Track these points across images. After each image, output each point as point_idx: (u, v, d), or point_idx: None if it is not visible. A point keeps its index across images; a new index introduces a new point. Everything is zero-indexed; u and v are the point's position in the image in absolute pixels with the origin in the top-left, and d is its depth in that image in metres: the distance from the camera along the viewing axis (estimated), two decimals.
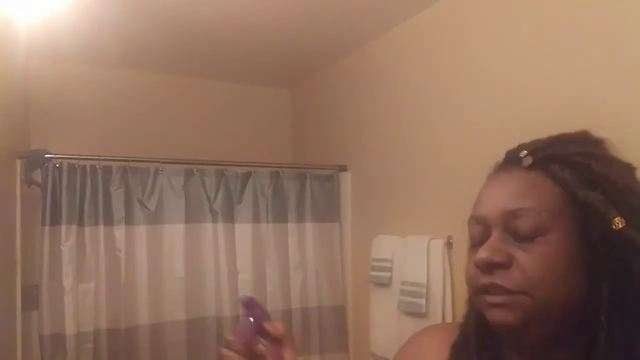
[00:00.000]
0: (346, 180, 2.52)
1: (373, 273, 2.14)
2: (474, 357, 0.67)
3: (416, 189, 2.03)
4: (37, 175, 2.03)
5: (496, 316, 0.60)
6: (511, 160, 0.67)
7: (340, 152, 2.59)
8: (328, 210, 2.49)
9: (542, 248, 0.59)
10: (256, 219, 2.33)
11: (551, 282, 0.58)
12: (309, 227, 2.44)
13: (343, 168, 2.53)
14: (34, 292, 2.02)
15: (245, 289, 2.27)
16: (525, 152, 0.65)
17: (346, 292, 2.48)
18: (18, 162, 2.02)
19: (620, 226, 0.58)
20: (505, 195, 0.62)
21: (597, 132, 0.68)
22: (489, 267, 0.60)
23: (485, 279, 0.61)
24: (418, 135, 2.07)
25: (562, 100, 1.51)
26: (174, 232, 2.18)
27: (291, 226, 2.40)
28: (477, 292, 0.63)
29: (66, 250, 1.98)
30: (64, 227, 1.99)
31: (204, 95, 2.91)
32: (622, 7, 1.36)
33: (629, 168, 0.64)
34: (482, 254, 0.60)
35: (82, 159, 2.05)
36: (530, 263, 0.59)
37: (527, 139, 1.63)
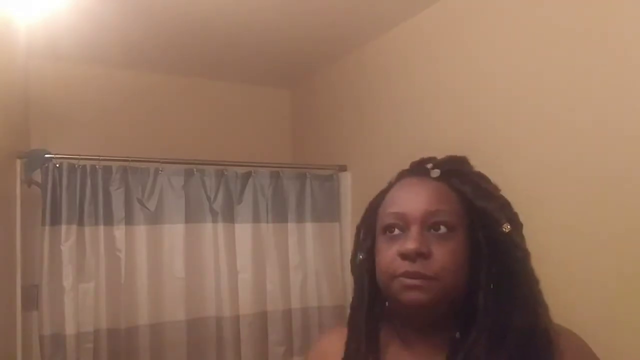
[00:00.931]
0: (346, 180, 2.52)
1: None
2: (363, 339, 0.78)
3: None
4: (37, 175, 2.03)
5: (413, 296, 0.72)
6: (419, 170, 0.80)
7: (340, 152, 2.59)
8: (328, 210, 2.49)
9: (451, 243, 0.72)
10: (256, 219, 2.33)
11: (455, 270, 0.72)
12: (309, 227, 2.43)
13: (343, 168, 2.53)
14: (34, 292, 2.02)
15: (245, 289, 2.27)
16: (432, 164, 0.79)
17: (346, 292, 2.48)
18: (18, 162, 2.02)
19: (508, 229, 0.73)
20: (425, 198, 0.75)
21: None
22: (416, 256, 0.71)
23: (409, 267, 0.72)
24: (418, 135, 2.07)
25: (562, 100, 1.51)
26: (174, 232, 2.18)
27: (291, 226, 2.40)
28: (395, 277, 0.73)
29: (66, 250, 1.98)
30: (64, 227, 1.99)
31: (204, 95, 2.91)
32: (622, 8, 1.36)
33: (498, 188, 0.80)
34: (411, 245, 0.71)
35: (82, 159, 2.05)
36: (444, 255, 0.71)
37: (526, 137, 1.63)
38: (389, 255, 0.74)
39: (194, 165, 2.27)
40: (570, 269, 1.44)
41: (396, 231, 0.75)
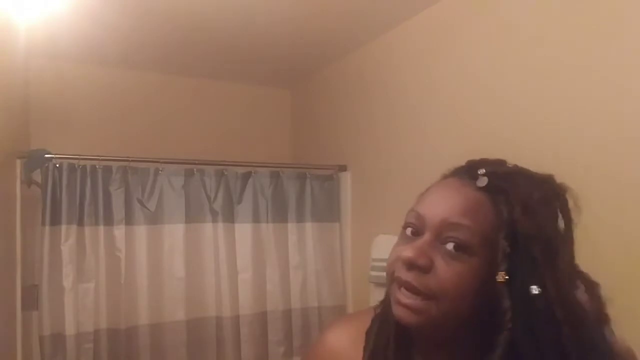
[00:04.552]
0: (346, 180, 2.52)
1: (373, 273, 2.14)
2: (393, 328, 0.70)
3: (416, 189, 2.02)
4: (37, 175, 2.03)
5: (400, 313, 0.65)
6: (469, 172, 0.68)
7: (340, 152, 2.59)
8: (328, 210, 2.49)
9: (462, 265, 0.62)
10: (256, 219, 2.33)
11: (458, 297, 0.62)
12: (309, 227, 2.44)
13: (343, 168, 2.53)
14: (34, 292, 2.02)
15: (245, 289, 2.27)
16: (484, 171, 0.66)
17: (346, 292, 2.48)
18: (18, 162, 2.02)
19: (500, 280, 0.61)
20: (451, 206, 0.65)
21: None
22: (411, 266, 0.64)
23: (403, 275, 0.64)
24: (418, 135, 2.07)
25: (558, 102, 1.51)
26: (174, 232, 2.18)
27: (291, 226, 2.40)
28: (391, 280, 0.67)
29: (66, 250, 1.98)
30: (64, 227, 1.99)
31: (204, 95, 2.91)
32: (621, 9, 1.36)
33: (561, 231, 0.65)
34: (409, 252, 0.64)
35: (82, 159, 2.05)
36: (446, 275, 0.62)
37: (522, 140, 1.63)
38: (394, 254, 0.68)
39: (194, 165, 2.27)
40: None
41: (413, 231, 0.68)
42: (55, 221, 1.98)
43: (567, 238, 0.66)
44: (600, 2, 1.42)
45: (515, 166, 0.70)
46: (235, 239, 2.29)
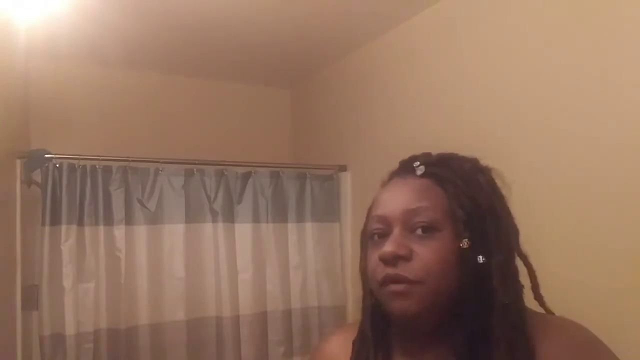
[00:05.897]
0: (346, 180, 2.52)
1: None
2: (372, 350, 0.74)
3: None
4: (37, 175, 2.03)
5: (399, 305, 0.68)
6: (405, 169, 0.76)
7: (340, 152, 2.59)
8: (328, 210, 2.49)
9: (436, 243, 0.67)
10: (256, 219, 2.33)
11: (444, 272, 0.67)
12: (309, 227, 2.43)
13: (343, 168, 2.53)
14: (34, 292, 2.02)
15: (246, 289, 2.27)
16: (418, 162, 0.74)
17: (346, 292, 2.48)
18: (18, 162, 2.02)
19: (465, 247, 0.67)
20: (405, 197, 0.71)
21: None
22: (394, 259, 0.67)
23: (390, 270, 0.68)
24: (417, 135, 2.07)
25: (555, 103, 1.51)
26: (174, 232, 2.18)
27: (291, 226, 2.40)
28: (380, 283, 0.69)
29: (66, 250, 1.98)
30: (64, 227, 1.99)
31: (204, 95, 2.91)
32: (620, 9, 1.36)
33: (500, 197, 0.73)
34: (389, 247, 0.68)
35: (82, 159, 2.05)
36: (427, 256, 0.67)
37: (522, 140, 1.63)
38: (373, 261, 0.71)
39: (194, 165, 2.27)
40: (564, 272, 1.44)
41: (380, 235, 0.71)
42: (55, 221, 1.98)
43: (503, 205, 0.72)
44: (599, 3, 1.42)
45: (440, 152, 0.78)
46: (235, 239, 2.29)
